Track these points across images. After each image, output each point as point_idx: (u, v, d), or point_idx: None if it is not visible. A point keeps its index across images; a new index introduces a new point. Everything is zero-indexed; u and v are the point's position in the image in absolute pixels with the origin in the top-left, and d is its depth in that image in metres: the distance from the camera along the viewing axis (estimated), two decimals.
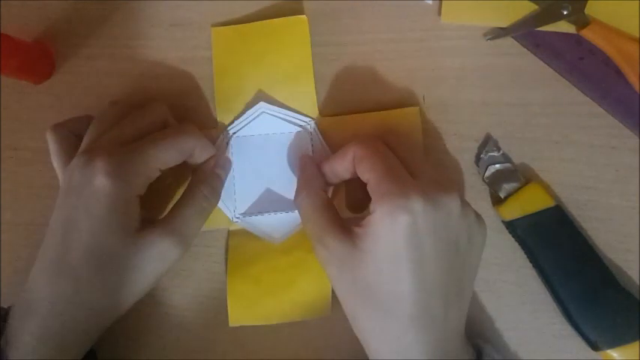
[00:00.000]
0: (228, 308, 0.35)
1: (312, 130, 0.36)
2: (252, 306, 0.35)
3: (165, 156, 0.32)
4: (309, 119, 0.36)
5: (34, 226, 0.38)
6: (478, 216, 0.30)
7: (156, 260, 0.31)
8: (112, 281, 0.30)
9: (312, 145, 0.36)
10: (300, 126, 0.36)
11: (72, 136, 0.34)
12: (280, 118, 0.36)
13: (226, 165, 0.36)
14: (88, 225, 0.30)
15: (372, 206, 0.29)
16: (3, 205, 0.39)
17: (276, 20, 0.37)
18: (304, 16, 0.37)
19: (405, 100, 0.36)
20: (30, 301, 0.30)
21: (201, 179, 0.34)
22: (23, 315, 0.30)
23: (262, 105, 0.36)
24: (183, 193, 0.34)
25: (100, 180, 0.29)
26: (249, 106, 0.37)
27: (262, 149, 0.36)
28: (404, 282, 0.27)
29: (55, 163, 0.34)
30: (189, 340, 0.37)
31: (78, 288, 0.30)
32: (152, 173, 0.32)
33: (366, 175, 0.30)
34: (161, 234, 0.31)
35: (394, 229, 0.27)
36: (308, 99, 0.37)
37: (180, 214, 0.32)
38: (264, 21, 0.37)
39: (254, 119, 0.36)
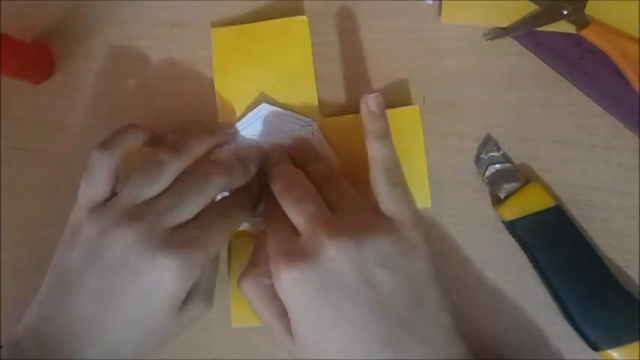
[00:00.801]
0: (231, 309, 0.35)
1: (313, 131, 0.36)
2: None
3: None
4: (311, 120, 0.36)
5: (34, 226, 0.38)
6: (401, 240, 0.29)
7: (190, 324, 0.31)
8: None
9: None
10: (302, 127, 0.36)
11: (119, 163, 0.31)
12: (282, 118, 0.36)
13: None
14: (135, 305, 0.29)
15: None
16: (3, 205, 0.39)
17: (276, 21, 0.37)
18: (305, 16, 0.37)
19: (405, 100, 0.36)
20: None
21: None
22: None
23: (264, 106, 0.36)
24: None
25: (166, 283, 0.28)
26: (251, 107, 0.37)
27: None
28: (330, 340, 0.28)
29: (90, 195, 0.31)
30: (189, 340, 0.37)
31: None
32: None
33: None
34: (200, 307, 0.31)
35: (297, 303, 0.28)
36: (309, 100, 0.37)
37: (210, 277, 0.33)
38: (265, 22, 0.37)
39: (256, 120, 0.36)
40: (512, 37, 0.36)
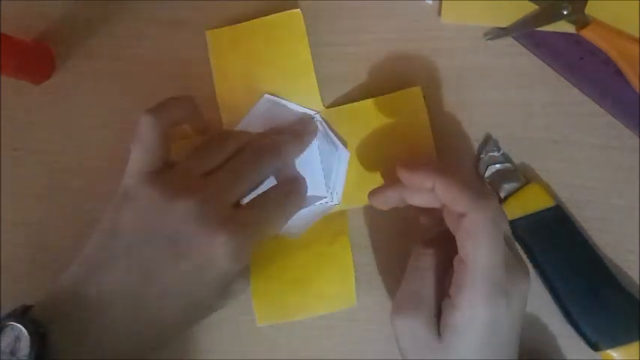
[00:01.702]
0: (254, 308, 0.35)
1: (318, 122, 0.36)
2: (278, 304, 0.35)
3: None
4: (314, 112, 0.36)
5: (34, 226, 0.38)
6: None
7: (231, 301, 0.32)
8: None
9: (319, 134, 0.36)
10: None
11: (169, 131, 0.30)
12: (286, 112, 0.36)
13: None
14: (183, 279, 0.27)
15: (454, 298, 0.27)
16: (3, 205, 0.39)
17: (270, 17, 0.37)
18: (298, 10, 0.36)
19: None
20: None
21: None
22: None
23: (266, 97, 0.36)
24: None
25: (221, 262, 0.27)
26: (253, 105, 0.36)
27: None
28: None
29: (143, 159, 0.29)
30: (190, 341, 0.37)
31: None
32: None
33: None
34: (244, 283, 0.32)
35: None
36: (310, 92, 0.37)
37: None
38: (259, 19, 0.37)
39: (260, 114, 0.36)
40: (512, 37, 0.36)
